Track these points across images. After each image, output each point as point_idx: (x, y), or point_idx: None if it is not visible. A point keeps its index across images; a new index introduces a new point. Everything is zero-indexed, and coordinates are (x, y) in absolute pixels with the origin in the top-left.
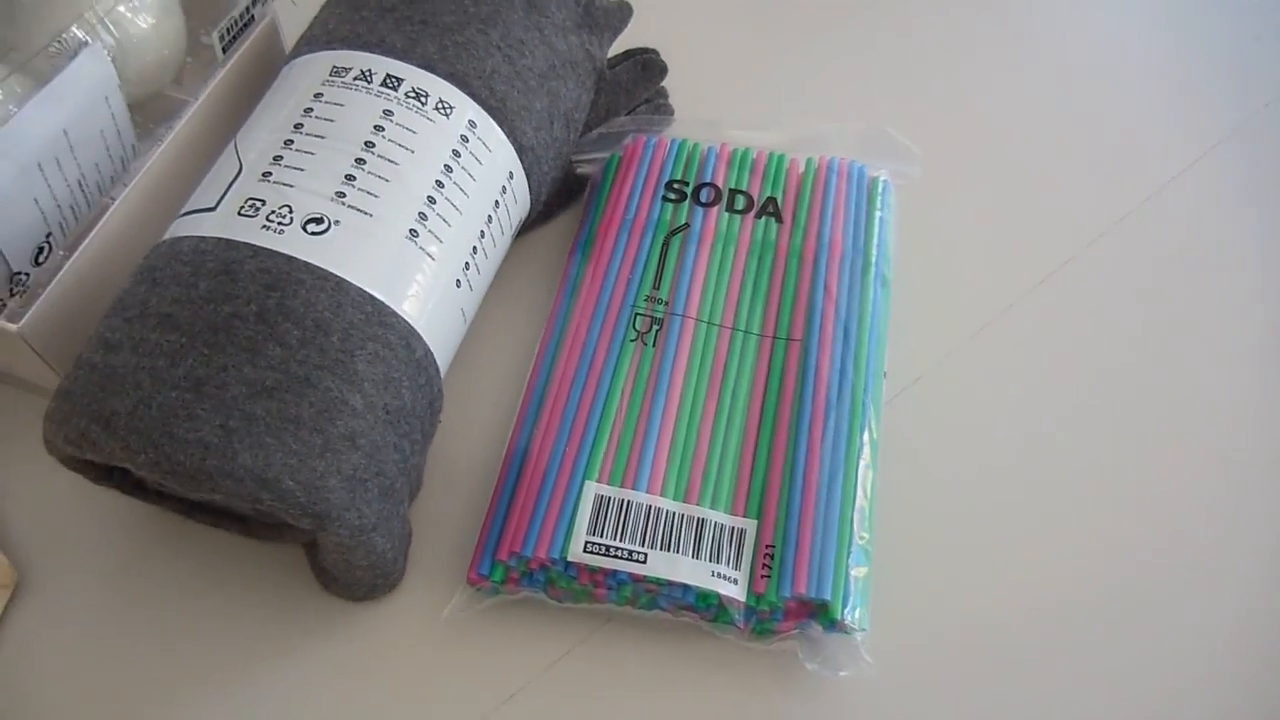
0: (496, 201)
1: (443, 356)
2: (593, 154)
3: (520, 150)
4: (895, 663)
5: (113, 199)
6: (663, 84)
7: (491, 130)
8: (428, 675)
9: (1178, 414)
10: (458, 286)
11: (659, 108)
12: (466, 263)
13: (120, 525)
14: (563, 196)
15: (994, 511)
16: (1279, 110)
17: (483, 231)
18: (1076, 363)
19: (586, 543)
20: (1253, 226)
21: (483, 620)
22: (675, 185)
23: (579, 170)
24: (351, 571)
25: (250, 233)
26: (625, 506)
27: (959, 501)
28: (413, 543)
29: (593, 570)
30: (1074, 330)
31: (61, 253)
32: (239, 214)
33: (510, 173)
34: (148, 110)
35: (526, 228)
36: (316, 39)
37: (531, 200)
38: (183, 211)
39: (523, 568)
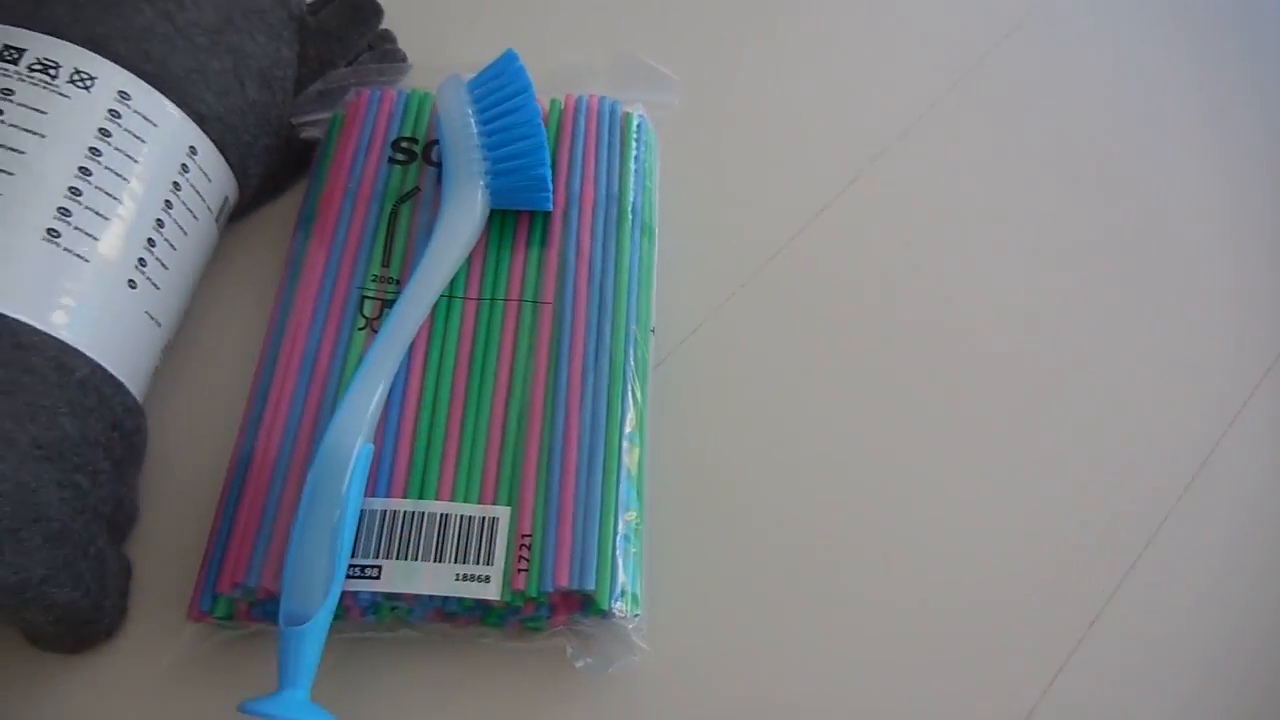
0: (175, 183)
1: (128, 368)
2: (314, 115)
3: (202, 120)
4: (673, 644)
5: None
6: (387, 27)
7: (153, 101)
8: None
9: (961, 358)
10: (133, 288)
11: (386, 54)
12: (141, 259)
13: None
14: (289, 167)
15: (775, 472)
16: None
17: (160, 220)
18: (865, 299)
19: None
20: (1009, 149)
21: (215, 660)
22: (403, 144)
23: (304, 135)
24: (41, 628)
25: None
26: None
27: (738, 465)
28: (136, 576)
29: None
30: (860, 261)
31: None
32: None
33: (191, 147)
34: None
35: (249, 206)
36: None
37: (237, 176)
38: None
39: (250, 598)
